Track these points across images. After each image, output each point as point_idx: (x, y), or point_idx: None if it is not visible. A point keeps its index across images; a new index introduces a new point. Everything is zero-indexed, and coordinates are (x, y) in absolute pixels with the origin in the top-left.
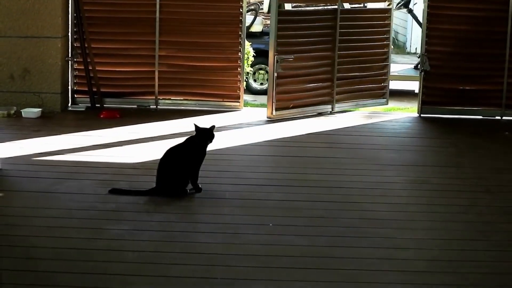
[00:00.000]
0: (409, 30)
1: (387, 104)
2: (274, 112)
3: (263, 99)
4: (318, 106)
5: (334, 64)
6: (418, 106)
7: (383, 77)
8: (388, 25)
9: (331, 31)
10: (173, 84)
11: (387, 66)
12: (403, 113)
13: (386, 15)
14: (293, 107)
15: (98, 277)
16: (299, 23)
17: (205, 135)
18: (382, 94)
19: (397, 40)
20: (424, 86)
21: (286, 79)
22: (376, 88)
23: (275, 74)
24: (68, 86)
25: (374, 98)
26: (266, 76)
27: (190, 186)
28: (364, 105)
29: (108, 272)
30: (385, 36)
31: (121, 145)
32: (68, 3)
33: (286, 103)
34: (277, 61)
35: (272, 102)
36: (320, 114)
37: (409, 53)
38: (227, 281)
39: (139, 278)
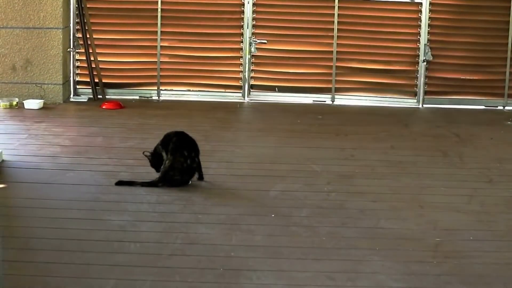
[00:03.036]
0: None
1: (419, 105)
2: (250, 93)
3: None
4: (315, 94)
5: (333, 53)
6: (421, 96)
7: (410, 75)
8: (417, 19)
9: (327, 20)
10: (175, 75)
11: (416, 64)
12: (406, 102)
13: (415, 9)
14: (278, 90)
15: (100, 268)
16: (280, 9)
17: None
18: (414, 94)
19: None
20: (426, 76)
21: (264, 60)
22: (401, 86)
23: (248, 56)
24: (70, 77)
25: (399, 95)
26: None
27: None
28: (386, 101)
29: (110, 263)
30: (413, 31)
31: (123, 136)
32: None
33: (264, 84)
34: (250, 44)
35: (248, 82)
36: (320, 103)
37: None
38: (229, 272)
39: (141, 269)
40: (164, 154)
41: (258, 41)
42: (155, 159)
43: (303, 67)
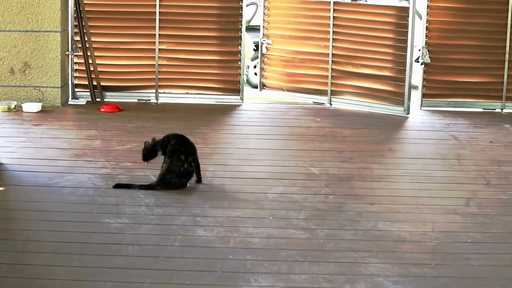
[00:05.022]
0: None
1: (406, 113)
2: (261, 90)
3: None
4: (313, 96)
5: (329, 57)
6: (415, 98)
7: (398, 82)
8: (405, 25)
9: (324, 23)
10: (173, 78)
11: (403, 72)
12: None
13: (402, 14)
14: (286, 90)
15: (98, 271)
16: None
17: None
18: (400, 102)
19: None
20: (424, 79)
21: (272, 61)
22: (389, 93)
23: (258, 55)
24: (69, 80)
25: (387, 102)
26: None
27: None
28: (375, 107)
29: (108, 266)
30: (400, 37)
31: (121, 139)
32: None
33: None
34: (262, 43)
35: (260, 81)
36: (317, 106)
37: None
38: (227, 274)
39: (138, 271)
40: (159, 153)
41: (266, 41)
42: (149, 152)
43: (302, 68)
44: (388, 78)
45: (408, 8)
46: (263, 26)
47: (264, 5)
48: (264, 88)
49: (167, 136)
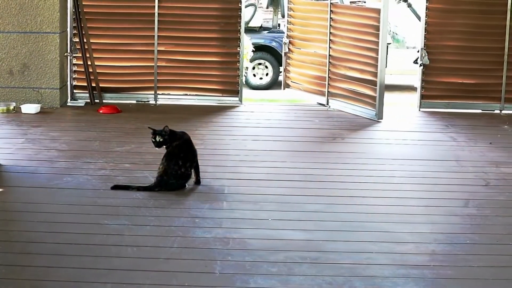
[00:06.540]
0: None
1: (377, 118)
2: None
3: (262, 94)
4: (315, 96)
5: (327, 59)
6: (417, 100)
7: (372, 85)
8: (377, 28)
9: (324, 25)
10: (172, 79)
11: (376, 75)
12: (403, 107)
13: (375, 15)
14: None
15: (97, 272)
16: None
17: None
18: (372, 105)
19: (396, 34)
20: (423, 80)
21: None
22: (365, 96)
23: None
24: (67, 81)
25: (364, 105)
26: (265, 71)
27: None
28: (360, 111)
29: (107, 267)
30: (373, 39)
31: (120, 140)
32: None
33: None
34: (285, 43)
35: (284, 81)
36: (318, 107)
37: (408, 48)
38: (225, 275)
39: (137, 273)
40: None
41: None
42: (164, 142)
43: (313, 69)
44: (368, 82)
45: (380, 10)
46: (287, 27)
47: (288, 6)
48: (288, 87)
49: (175, 135)
